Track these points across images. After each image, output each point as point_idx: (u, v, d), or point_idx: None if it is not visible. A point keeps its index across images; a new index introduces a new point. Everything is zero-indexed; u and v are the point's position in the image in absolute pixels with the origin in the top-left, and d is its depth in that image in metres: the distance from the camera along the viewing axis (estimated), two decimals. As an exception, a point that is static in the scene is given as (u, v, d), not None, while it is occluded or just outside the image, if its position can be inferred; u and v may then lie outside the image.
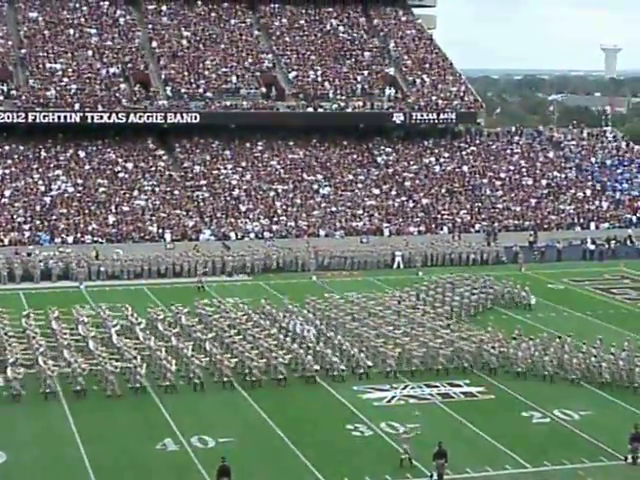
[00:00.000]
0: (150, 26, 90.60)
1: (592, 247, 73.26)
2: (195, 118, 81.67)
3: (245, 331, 46.91)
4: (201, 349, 44.71)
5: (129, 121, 80.00)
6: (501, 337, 45.35)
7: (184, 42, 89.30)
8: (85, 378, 40.66)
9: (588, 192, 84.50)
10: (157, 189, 76.33)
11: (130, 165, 78.79)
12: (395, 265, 68.27)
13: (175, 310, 50.56)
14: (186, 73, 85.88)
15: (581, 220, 79.79)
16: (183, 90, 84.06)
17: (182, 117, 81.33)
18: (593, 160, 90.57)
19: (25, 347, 44.22)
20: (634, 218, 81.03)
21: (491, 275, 60.55)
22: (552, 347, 44.29)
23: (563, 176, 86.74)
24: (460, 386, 42.27)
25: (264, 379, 42.07)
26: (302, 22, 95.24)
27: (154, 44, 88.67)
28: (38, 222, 70.35)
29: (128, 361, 42.09)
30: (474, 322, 50.93)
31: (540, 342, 44.82)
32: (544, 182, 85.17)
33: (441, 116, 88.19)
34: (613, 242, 74.56)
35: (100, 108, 79.75)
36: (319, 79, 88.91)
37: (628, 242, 76.04)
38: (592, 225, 79.10)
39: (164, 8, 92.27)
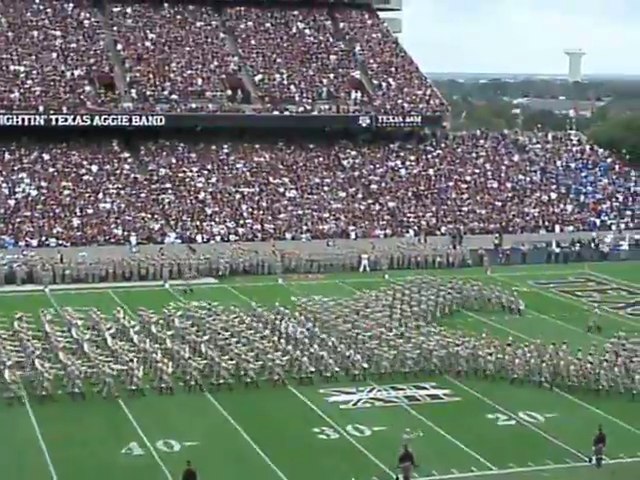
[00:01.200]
0: (115, 28, 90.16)
1: (557, 250, 73.70)
2: (160, 121, 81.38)
3: (239, 333, 46.96)
4: (196, 352, 44.60)
5: (94, 124, 79.53)
6: (497, 343, 45.02)
7: (149, 44, 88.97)
8: (82, 381, 40.69)
9: (553, 195, 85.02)
10: (122, 192, 75.96)
11: (95, 168, 78.34)
12: (361, 268, 68.34)
13: (167, 313, 50.62)
14: (151, 76, 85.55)
15: (546, 223, 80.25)
16: (148, 93, 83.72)
17: (147, 120, 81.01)
18: (558, 163, 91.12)
19: (19, 350, 44.12)
20: (598, 221, 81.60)
21: (458, 278, 60.67)
22: (548, 353, 43.86)
23: (528, 179, 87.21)
24: (426, 389, 42.34)
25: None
26: (268, 25, 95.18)
27: (119, 46, 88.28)
28: (2, 225, 69.74)
29: (124, 363, 42.11)
30: (441, 324, 50.98)
31: (535, 348, 44.47)
32: (509, 185, 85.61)
33: (407, 119, 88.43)
34: (577, 245, 75.04)
35: (65, 110, 79.25)
36: (285, 82, 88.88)
37: (592, 245, 76.53)
38: (557, 228, 79.57)
39: (129, 10, 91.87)
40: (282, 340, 46.42)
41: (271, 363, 42.93)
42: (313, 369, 43.13)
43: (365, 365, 43.92)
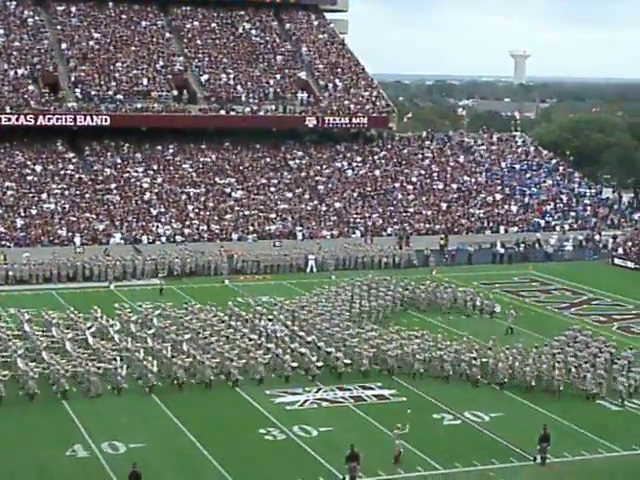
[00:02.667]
0: (59, 27, 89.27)
1: (502, 250, 74.24)
2: (105, 120, 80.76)
3: (218, 332, 47.02)
4: (177, 351, 44.45)
5: (38, 123, 78.75)
6: (477, 347, 44.90)
7: (94, 44, 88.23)
8: (68, 380, 40.73)
9: (498, 196, 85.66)
10: (66, 192, 75.26)
11: (39, 168, 77.53)
12: (308, 269, 68.34)
13: (144, 312, 50.61)
14: (96, 75, 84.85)
15: (491, 224, 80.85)
16: (93, 92, 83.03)
17: (92, 119, 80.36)
18: (503, 165, 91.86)
19: (2, 349, 44.07)
20: (542, 222, 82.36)
21: (404, 278, 60.87)
22: (531, 357, 43.78)
23: (473, 180, 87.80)
24: (372, 389, 42.43)
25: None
26: (214, 25, 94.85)
27: (63, 45, 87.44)
28: (-57, 226, 68.87)
29: (108, 362, 42.10)
30: (385, 325, 51.13)
31: (517, 352, 44.35)
32: (454, 186, 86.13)
33: (353, 120, 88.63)
34: (522, 245, 75.66)
35: (8, 110, 78.35)
36: (231, 82, 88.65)
37: (537, 245, 77.21)
38: (502, 229, 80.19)
39: (73, 9, 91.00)
40: (262, 338, 46.71)
41: (254, 361, 43.12)
42: (296, 364, 43.53)
43: (348, 361, 44.03)
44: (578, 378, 42.12)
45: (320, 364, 43.73)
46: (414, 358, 44.28)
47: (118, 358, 42.55)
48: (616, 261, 73.98)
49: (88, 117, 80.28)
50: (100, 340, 45.73)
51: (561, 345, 46.76)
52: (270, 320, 49.70)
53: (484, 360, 43.62)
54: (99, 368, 41.43)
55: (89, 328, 47.64)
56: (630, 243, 75.40)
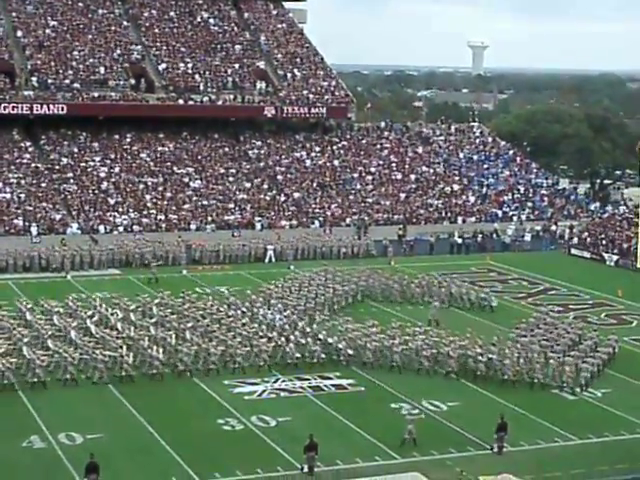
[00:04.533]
0: (14, 15, 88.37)
1: (459, 241, 74.56)
2: (62, 109, 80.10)
3: (219, 321, 47.32)
4: (179, 338, 44.59)
5: (-7, 112, 78.03)
6: (481, 343, 44.25)
7: (50, 32, 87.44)
8: (75, 367, 40.98)
9: (456, 187, 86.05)
10: (23, 181, 74.58)
11: (-5, 157, 76.81)
12: (267, 259, 68.22)
13: (143, 301, 50.63)
14: (53, 63, 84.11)
15: (449, 214, 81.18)
16: (50, 81, 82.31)
17: (48, 108, 79.67)
18: (461, 155, 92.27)
19: (7, 337, 44.02)
20: (500, 212, 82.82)
21: (362, 267, 60.95)
22: (536, 353, 43.57)
23: (431, 171, 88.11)
24: (330, 379, 42.46)
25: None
26: (172, 14, 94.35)
27: (19, 33, 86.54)
28: None
29: (113, 350, 42.23)
30: (345, 314, 51.16)
31: (522, 347, 44.02)
32: (413, 177, 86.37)
33: (312, 110, 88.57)
34: (480, 236, 76.03)
35: (-37, 98, 77.59)
36: (190, 71, 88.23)
37: (494, 236, 77.64)
38: (459, 219, 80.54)
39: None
40: (263, 327, 47.00)
41: (257, 349, 43.33)
42: (299, 355, 43.64)
43: (350, 352, 44.00)
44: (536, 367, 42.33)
45: (323, 356, 43.83)
46: (419, 354, 43.71)
47: (124, 346, 42.71)
48: (573, 251, 74.58)
49: (44, 106, 79.57)
50: (104, 329, 45.97)
51: (525, 331, 47.34)
52: (269, 309, 49.91)
53: (490, 357, 42.78)
54: (105, 356, 41.60)
55: (91, 317, 47.81)
56: (586, 233, 76.03)
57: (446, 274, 63.36)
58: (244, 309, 50.36)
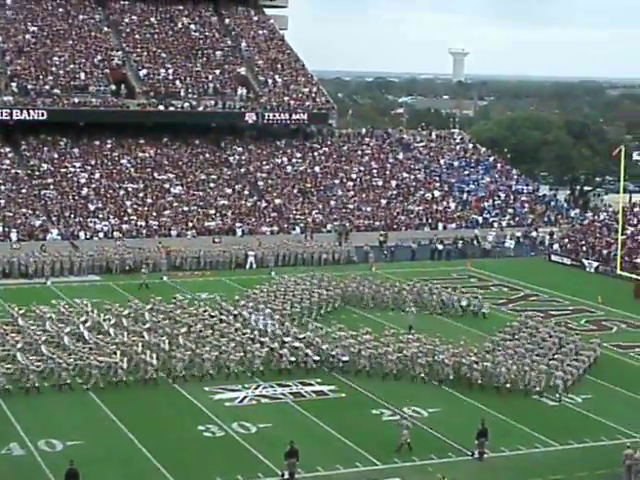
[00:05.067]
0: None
1: (440, 247, 74.64)
2: (42, 115, 79.84)
3: (212, 326, 47.31)
4: (172, 344, 44.59)
5: (-27, 117, 77.71)
6: (476, 350, 44.10)
7: (30, 37, 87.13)
8: (69, 373, 40.96)
9: (436, 193, 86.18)
10: (2, 187, 74.26)
11: (-26, 162, 76.46)
12: (248, 265, 68.14)
13: (134, 307, 50.60)
14: (33, 69, 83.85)
15: (429, 220, 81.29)
16: (30, 86, 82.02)
17: (29, 114, 79.39)
18: (441, 162, 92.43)
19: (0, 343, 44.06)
20: (480, 218, 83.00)
21: (342, 274, 60.97)
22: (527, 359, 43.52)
23: (412, 177, 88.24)
24: (312, 385, 42.41)
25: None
26: (153, 20, 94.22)
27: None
28: None
29: (108, 356, 42.16)
30: (326, 320, 51.15)
31: (516, 354, 43.90)
32: (394, 183, 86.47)
33: (293, 117, 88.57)
34: (460, 242, 76.13)
35: (-58, 103, 77.17)
36: (170, 77, 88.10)
37: (475, 242, 77.76)
38: (440, 225, 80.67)
39: (9, 1, 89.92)
40: (256, 332, 46.96)
41: (250, 355, 43.43)
42: (293, 359, 43.76)
43: (346, 358, 43.91)
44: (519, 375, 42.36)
45: (317, 358, 43.89)
46: (414, 362, 43.51)
47: (118, 352, 42.63)
48: (553, 257, 74.80)
49: (24, 111, 79.28)
50: (96, 334, 45.92)
51: (509, 334, 47.75)
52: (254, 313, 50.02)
53: (485, 364, 42.46)
54: (100, 362, 41.57)
55: (84, 322, 47.70)
56: (566, 240, 76.27)
57: (427, 280, 63.34)
58: (235, 313, 50.32)
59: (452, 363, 43.03)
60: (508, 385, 41.82)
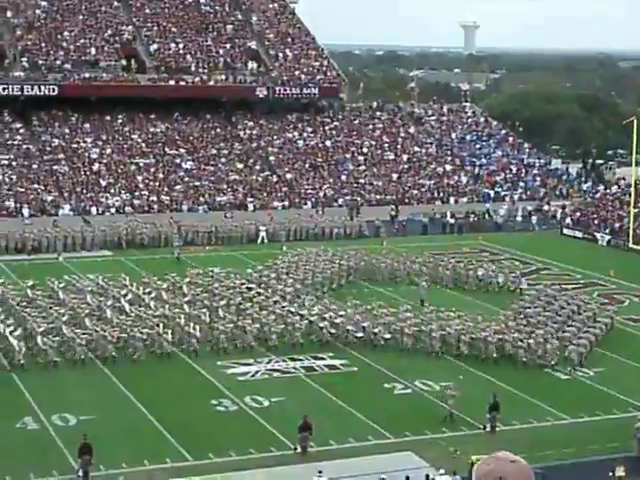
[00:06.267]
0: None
1: (451, 221, 74.52)
2: (53, 90, 79.81)
3: (250, 299, 47.79)
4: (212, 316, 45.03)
5: (-16, 93, 77.72)
6: (518, 327, 43.77)
7: (40, 12, 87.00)
8: (115, 345, 41.51)
9: (448, 167, 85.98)
10: (14, 163, 74.37)
11: (-14, 138, 76.54)
12: (259, 240, 68.15)
13: (172, 280, 51.12)
14: (43, 44, 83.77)
15: (441, 194, 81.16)
16: (40, 62, 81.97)
17: (40, 89, 79.36)
18: (453, 135, 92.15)
19: (42, 316, 44.41)
20: (492, 192, 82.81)
21: (356, 248, 60.93)
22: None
23: (424, 151, 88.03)
24: (324, 359, 42.51)
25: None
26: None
27: (9, 14, 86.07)
28: None
29: (150, 328, 42.62)
30: (336, 295, 51.20)
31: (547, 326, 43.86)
32: (405, 157, 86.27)
33: (304, 91, 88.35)
34: (472, 216, 75.98)
35: (-47, 79, 77.20)
36: (181, 52, 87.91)
37: (486, 216, 77.62)
38: (452, 199, 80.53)
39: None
40: (295, 305, 47.32)
41: (291, 327, 43.76)
42: (334, 331, 44.00)
43: (387, 336, 43.68)
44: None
45: (360, 335, 43.86)
46: (459, 340, 43.05)
47: (161, 325, 43.08)
48: (565, 231, 74.65)
49: (35, 87, 79.27)
50: (138, 307, 46.41)
51: (529, 303, 48.61)
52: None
53: (530, 342, 42.08)
54: (144, 334, 41.97)
55: (125, 295, 48.10)
56: (579, 213, 76.09)
57: (438, 255, 63.31)
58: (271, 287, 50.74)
59: (495, 341, 42.47)
60: (524, 359, 41.76)
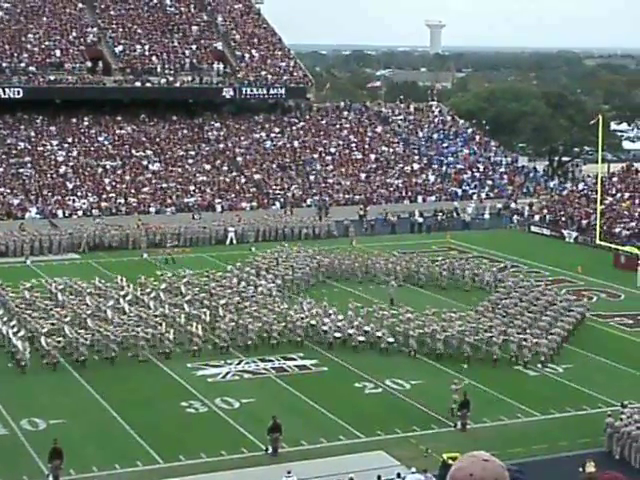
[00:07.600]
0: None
1: (420, 220, 74.66)
2: (18, 93, 79.32)
3: (250, 298, 47.99)
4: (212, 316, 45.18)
5: (-52, 96, 77.10)
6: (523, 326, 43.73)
7: (3, 14, 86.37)
8: (118, 346, 41.50)
9: (415, 166, 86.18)
10: (-21, 167, 73.85)
11: (-50, 142, 75.94)
12: (228, 241, 67.99)
13: (169, 280, 51.28)
14: (7, 47, 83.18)
15: (409, 193, 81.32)
16: (5, 64, 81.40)
17: (4, 92, 78.86)
18: (420, 134, 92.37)
19: (43, 318, 44.35)
20: (459, 191, 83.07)
21: (325, 248, 60.93)
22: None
23: (391, 150, 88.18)
24: (294, 359, 42.47)
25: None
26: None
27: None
28: None
29: (153, 328, 42.70)
30: (310, 295, 51.15)
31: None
32: (373, 157, 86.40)
33: (271, 91, 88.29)
34: (440, 214, 76.17)
35: None
36: (146, 53, 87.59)
37: (454, 214, 77.84)
38: (419, 198, 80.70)
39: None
40: (296, 306, 47.44)
41: (291, 325, 43.88)
42: (339, 335, 43.99)
43: (391, 339, 43.30)
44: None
45: (362, 338, 43.58)
46: (463, 341, 42.68)
47: (163, 324, 43.16)
48: (532, 228, 74.98)
49: (0, 90, 78.69)
50: (139, 307, 46.44)
51: (503, 294, 49.69)
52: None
53: (535, 340, 41.86)
54: (147, 333, 42.00)
55: (124, 296, 48.01)
56: (546, 210, 76.45)
57: (407, 253, 63.39)
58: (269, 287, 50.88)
59: (500, 341, 42.24)
60: (495, 357, 41.82)
